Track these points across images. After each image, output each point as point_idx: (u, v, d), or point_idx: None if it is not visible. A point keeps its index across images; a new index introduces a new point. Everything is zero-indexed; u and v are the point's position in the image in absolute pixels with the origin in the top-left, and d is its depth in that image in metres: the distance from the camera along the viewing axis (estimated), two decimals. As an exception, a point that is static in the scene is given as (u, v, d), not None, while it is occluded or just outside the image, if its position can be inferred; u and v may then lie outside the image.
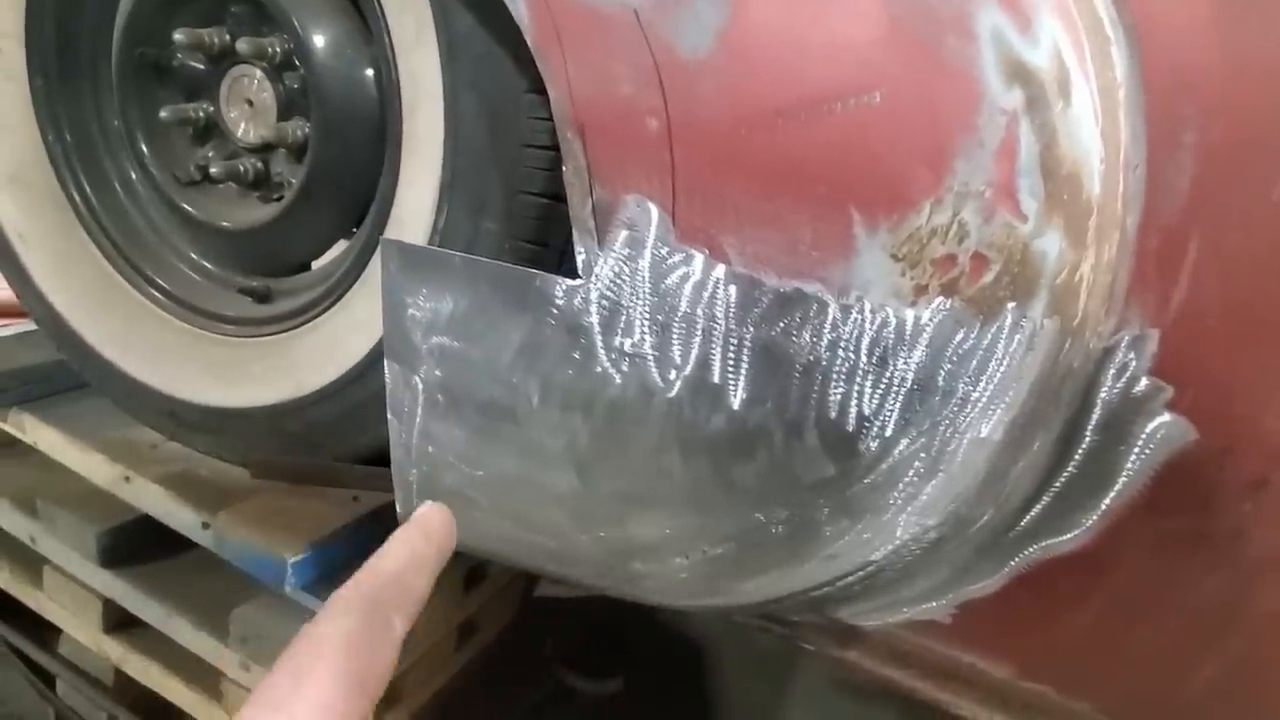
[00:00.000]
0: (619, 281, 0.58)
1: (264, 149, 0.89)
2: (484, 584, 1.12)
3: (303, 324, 0.88)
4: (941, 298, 0.52)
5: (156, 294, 0.97)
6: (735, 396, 0.58)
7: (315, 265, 0.97)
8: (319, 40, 0.80)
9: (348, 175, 0.84)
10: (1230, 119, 0.54)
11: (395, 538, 0.41)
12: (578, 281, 0.59)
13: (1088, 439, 0.59)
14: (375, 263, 0.79)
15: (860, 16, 0.50)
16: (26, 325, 1.08)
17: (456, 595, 1.08)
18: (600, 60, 0.54)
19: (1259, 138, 0.54)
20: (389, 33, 0.72)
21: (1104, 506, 0.61)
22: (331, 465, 0.89)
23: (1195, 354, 0.56)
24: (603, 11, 0.53)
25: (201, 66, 0.89)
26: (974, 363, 0.54)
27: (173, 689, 0.93)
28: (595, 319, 0.59)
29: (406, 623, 0.37)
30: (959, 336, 0.53)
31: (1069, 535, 0.63)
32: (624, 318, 0.59)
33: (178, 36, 0.85)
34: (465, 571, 1.07)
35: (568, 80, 0.55)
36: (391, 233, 0.76)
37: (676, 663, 1.37)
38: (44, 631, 1.05)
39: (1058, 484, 0.61)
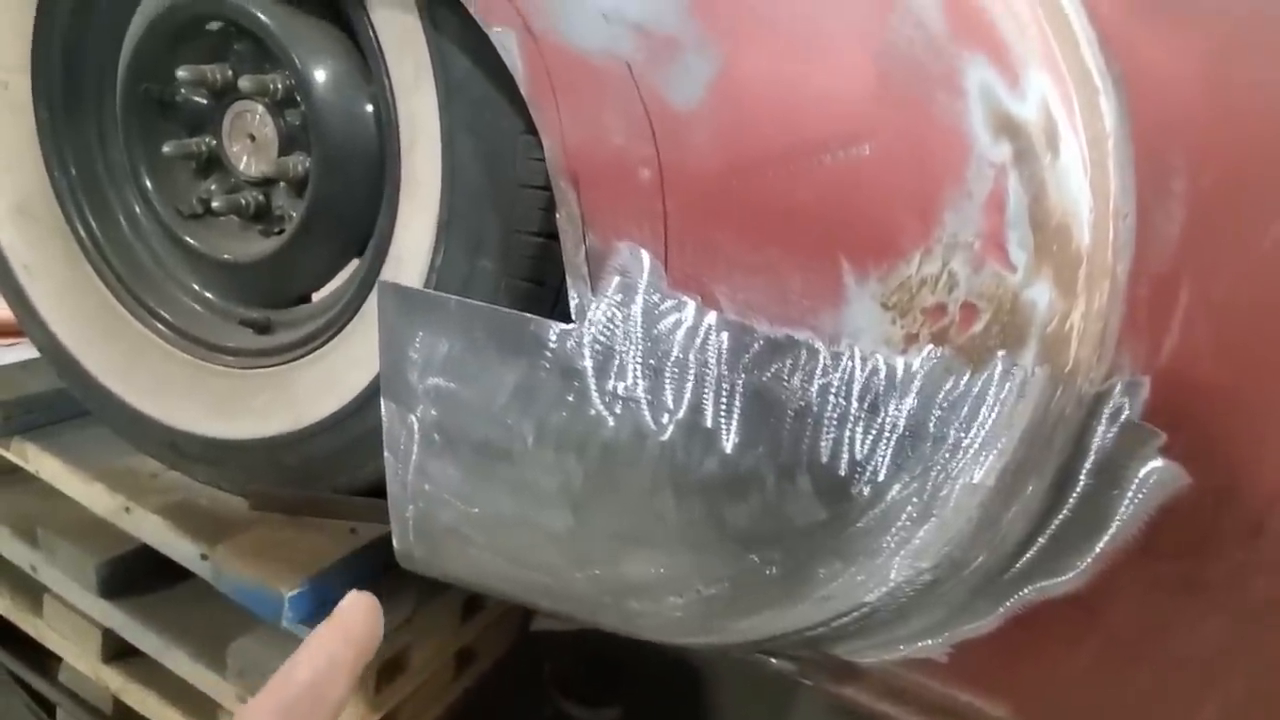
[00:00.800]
0: (612, 326, 0.58)
1: (265, 183, 0.90)
2: (482, 613, 1.12)
3: (303, 356, 0.88)
4: (932, 346, 0.53)
5: (158, 325, 0.98)
6: (727, 440, 0.59)
7: (315, 297, 0.98)
8: (320, 77, 0.81)
9: (348, 209, 0.84)
10: (1219, 167, 0.54)
11: (311, 640, 0.39)
12: (571, 326, 0.60)
13: (1081, 483, 0.59)
14: (373, 298, 0.79)
15: (849, 70, 0.50)
16: (29, 353, 1.08)
17: (454, 624, 1.08)
18: (593, 111, 0.54)
19: (1247, 185, 0.55)
20: (388, 75, 0.73)
21: (1098, 550, 0.61)
22: (330, 497, 0.89)
23: (1188, 399, 0.56)
24: (595, 63, 0.54)
25: (204, 102, 0.90)
26: (965, 410, 0.54)
27: (170, 719, 0.93)
28: (589, 363, 0.60)
29: None
30: (949, 384, 0.53)
31: (1063, 578, 0.63)
32: (617, 362, 0.59)
33: (181, 73, 0.86)
34: (463, 601, 1.07)
35: (561, 130, 0.55)
36: (389, 270, 0.76)
37: (674, 691, 1.36)
38: (44, 659, 1.06)
39: (1052, 527, 0.61)
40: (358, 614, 0.40)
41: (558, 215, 0.58)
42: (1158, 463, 0.57)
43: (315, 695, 0.36)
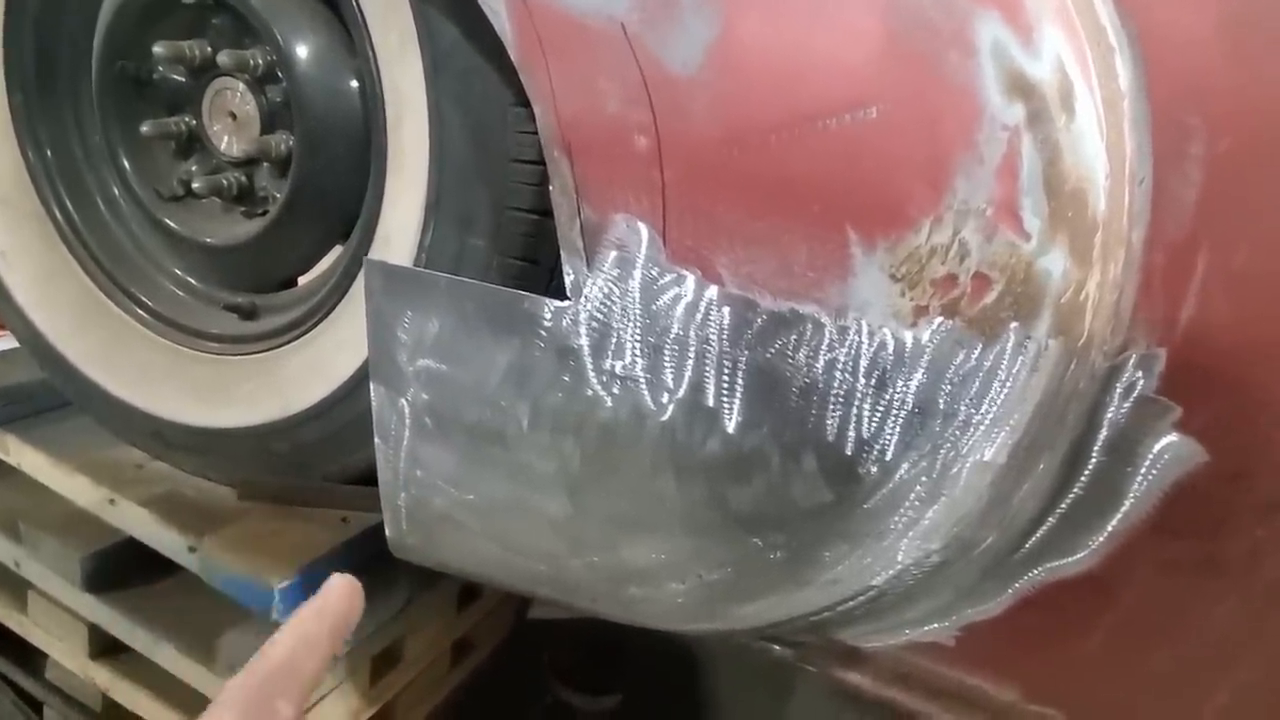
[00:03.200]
0: (609, 303, 0.56)
1: (247, 163, 0.87)
2: (478, 602, 1.11)
3: (289, 341, 0.86)
4: (942, 318, 0.51)
5: (140, 311, 0.95)
6: (730, 420, 0.57)
7: (301, 280, 0.96)
8: (301, 52, 0.78)
9: (333, 189, 0.82)
10: (1238, 130, 0.52)
11: (290, 620, 0.43)
12: (566, 303, 0.57)
13: (1094, 460, 0.58)
14: (361, 280, 0.77)
15: (856, 29, 0.48)
16: (10, 343, 1.06)
17: (450, 614, 1.06)
18: (586, 76, 0.52)
19: (1267, 149, 0.53)
20: (372, 47, 0.70)
21: (1110, 528, 0.59)
22: (320, 486, 0.87)
23: (1205, 372, 0.54)
24: (589, 25, 0.51)
25: (183, 80, 0.87)
26: (976, 385, 0.52)
27: (161, 715, 0.91)
28: (585, 341, 0.58)
29: (296, 705, 0.40)
30: (960, 358, 0.51)
31: (1074, 557, 0.61)
32: (614, 339, 0.57)
33: (158, 49, 0.83)
34: (459, 590, 1.05)
35: (553, 97, 0.53)
36: (377, 250, 0.74)
37: (674, 678, 1.35)
38: (31, 656, 1.03)
39: (1063, 506, 0.60)
40: (334, 593, 0.45)
41: (551, 187, 0.55)
42: (1172, 438, 0.56)
43: (290, 669, 0.40)
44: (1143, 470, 0.57)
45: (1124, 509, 0.58)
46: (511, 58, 0.54)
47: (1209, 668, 0.62)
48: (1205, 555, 0.58)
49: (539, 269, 0.69)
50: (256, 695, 0.39)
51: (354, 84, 0.79)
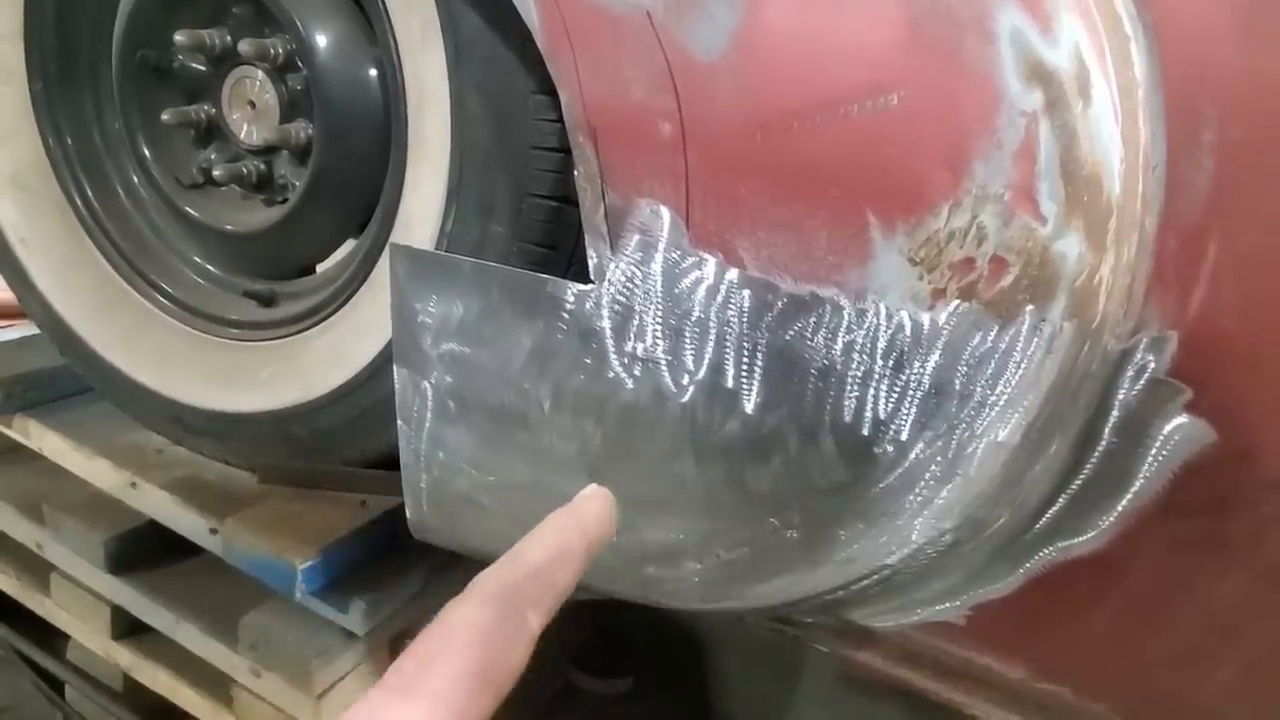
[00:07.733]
0: (631, 286, 0.57)
1: (267, 151, 0.88)
2: (492, 585, 1.12)
3: (309, 328, 0.87)
4: (959, 301, 0.52)
5: (160, 298, 0.96)
6: (749, 401, 0.58)
7: (320, 268, 0.97)
8: (322, 41, 0.79)
9: (353, 177, 0.83)
10: (1250, 117, 0.53)
11: (548, 524, 0.38)
12: (589, 286, 0.59)
13: (1105, 441, 0.59)
14: (382, 265, 0.78)
15: (878, 17, 0.49)
16: (30, 329, 1.07)
17: (465, 597, 1.07)
18: (612, 63, 0.53)
19: (1278, 136, 0.54)
20: (394, 35, 0.71)
21: (1120, 508, 0.61)
22: (339, 470, 0.88)
23: (1214, 355, 0.56)
24: (614, 13, 0.52)
25: (203, 68, 0.88)
26: (991, 366, 0.53)
27: (183, 695, 0.93)
28: (607, 323, 0.59)
29: (543, 619, 0.35)
30: (976, 340, 0.53)
31: (1085, 537, 0.62)
32: (636, 322, 0.58)
33: (178, 38, 0.84)
34: (476, 574, 1.06)
35: (579, 83, 0.54)
36: (398, 236, 0.75)
37: (685, 661, 1.37)
38: (53, 637, 1.05)
39: (1074, 486, 0.61)
40: (593, 505, 0.41)
41: (575, 173, 0.56)
42: (1182, 419, 0.57)
43: (544, 578, 0.36)
44: (1153, 451, 0.58)
45: (1134, 489, 0.59)
46: (538, 45, 0.55)
47: (1214, 644, 0.63)
48: (1212, 534, 0.60)
49: (558, 254, 0.71)
50: (513, 597, 0.34)
51: (374, 72, 0.80)
